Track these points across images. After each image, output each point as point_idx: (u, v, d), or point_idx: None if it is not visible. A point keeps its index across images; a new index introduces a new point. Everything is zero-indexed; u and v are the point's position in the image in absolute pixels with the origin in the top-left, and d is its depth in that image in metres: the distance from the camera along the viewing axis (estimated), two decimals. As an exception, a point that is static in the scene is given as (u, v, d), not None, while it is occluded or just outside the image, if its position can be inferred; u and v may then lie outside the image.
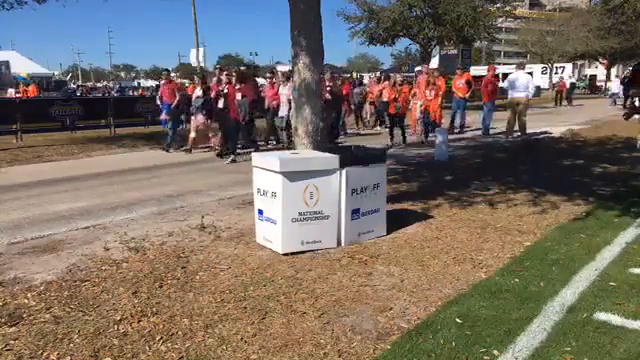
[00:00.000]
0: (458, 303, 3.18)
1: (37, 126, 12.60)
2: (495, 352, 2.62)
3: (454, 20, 20.28)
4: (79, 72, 77.36)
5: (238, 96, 8.97)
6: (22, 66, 37.70)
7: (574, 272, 3.67)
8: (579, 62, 48.19)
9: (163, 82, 11.25)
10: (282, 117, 10.32)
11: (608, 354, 2.60)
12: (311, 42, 4.95)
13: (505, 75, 20.57)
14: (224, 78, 9.42)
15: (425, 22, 21.49)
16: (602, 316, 2.99)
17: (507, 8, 22.52)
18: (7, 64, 32.67)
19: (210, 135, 10.40)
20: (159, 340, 2.76)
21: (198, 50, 29.03)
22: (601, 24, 32.65)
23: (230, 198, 6.20)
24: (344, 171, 4.16)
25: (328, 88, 10.72)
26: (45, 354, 2.63)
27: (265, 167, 4.15)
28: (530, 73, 13.77)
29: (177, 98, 10.54)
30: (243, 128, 9.39)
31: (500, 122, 12.51)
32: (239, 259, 4.02)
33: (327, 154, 4.39)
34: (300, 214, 4.06)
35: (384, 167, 4.60)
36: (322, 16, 5.08)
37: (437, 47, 27.83)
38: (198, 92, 10.09)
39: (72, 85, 42.89)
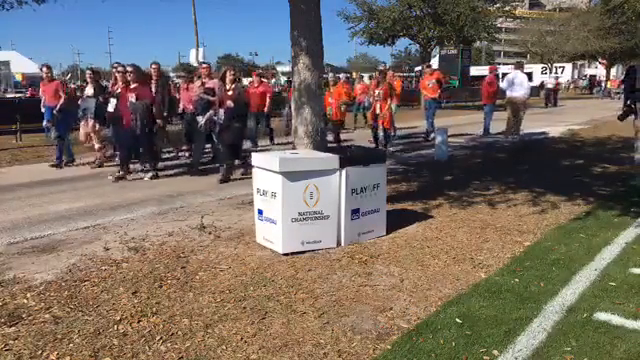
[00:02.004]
0: (458, 303, 3.18)
1: (37, 126, 12.57)
2: (495, 352, 2.62)
3: (454, 20, 20.29)
4: (79, 72, 77.31)
5: (132, 98, 7.20)
6: (22, 66, 37.72)
7: (574, 272, 3.67)
8: (579, 62, 48.22)
9: (43, 80, 8.94)
10: (204, 122, 7.37)
11: (608, 354, 2.60)
12: (311, 42, 4.95)
13: (504, 75, 20.57)
14: (119, 77, 7.49)
15: (425, 22, 21.51)
16: (602, 316, 2.99)
17: (507, 8, 22.53)
18: (7, 64, 32.68)
19: (96, 145, 8.55)
20: (159, 340, 2.76)
21: (198, 50, 28.98)
22: (601, 24, 32.68)
23: (230, 198, 6.19)
24: (344, 171, 4.15)
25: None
26: (45, 354, 2.63)
27: (265, 167, 4.15)
28: (529, 73, 13.54)
29: (62, 99, 8.47)
30: (142, 138, 7.31)
31: (501, 122, 12.51)
32: (239, 259, 4.02)
33: (327, 154, 4.39)
34: (300, 214, 4.06)
35: (384, 167, 4.60)
36: (322, 16, 5.09)
37: (437, 47, 27.88)
38: (88, 91, 8.56)
39: (72, 85, 42.83)
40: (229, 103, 7.14)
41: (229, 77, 7.51)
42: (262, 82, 10.89)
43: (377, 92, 9.47)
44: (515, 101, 11.54)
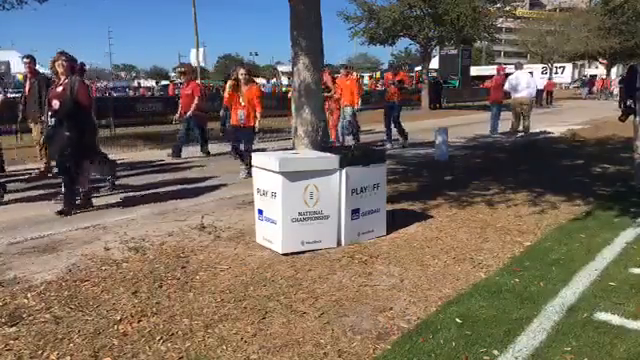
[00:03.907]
0: (458, 303, 3.18)
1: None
2: (495, 352, 2.62)
3: (454, 20, 20.26)
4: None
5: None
6: (23, 66, 37.65)
7: (574, 272, 3.67)
8: (579, 62, 48.22)
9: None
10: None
11: (608, 354, 2.60)
12: (311, 42, 4.96)
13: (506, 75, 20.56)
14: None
15: (425, 22, 21.49)
16: (602, 316, 2.99)
17: (507, 8, 22.52)
18: (8, 64, 32.66)
19: None
20: (159, 340, 2.76)
21: (198, 50, 29.00)
22: (601, 24, 32.68)
23: (230, 198, 6.20)
24: (344, 171, 4.16)
25: (196, 103, 9.16)
26: (45, 354, 2.63)
27: (265, 167, 4.15)
28: (531, 72, 13.53)
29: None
30: None
31: (507, 122, 12.53)
32: (239, 259, 4.02)
33: (327, 154, 4.40)
34: (300, 214, 4.06)
35: (384, 167, 4.60)
36: (322, 16, 5.09)
37: (437, 47, 27.87)
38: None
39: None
40: (55, 103, 5.31)
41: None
42: (191, 81, 9.90)
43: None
44: (520, 102, 11.60)
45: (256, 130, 7.63)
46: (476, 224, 4.90)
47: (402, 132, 10.87)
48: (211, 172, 8.11)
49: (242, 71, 7.38)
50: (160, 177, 7.77)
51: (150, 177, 7.74)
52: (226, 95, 7.60)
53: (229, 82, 7.57)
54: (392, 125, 10.85)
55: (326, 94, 8.24)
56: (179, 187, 6.98)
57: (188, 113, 9.49)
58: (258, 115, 7.37)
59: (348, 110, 10.22)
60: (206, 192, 6.62)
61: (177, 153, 9.59)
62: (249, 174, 6.97)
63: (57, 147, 5.40)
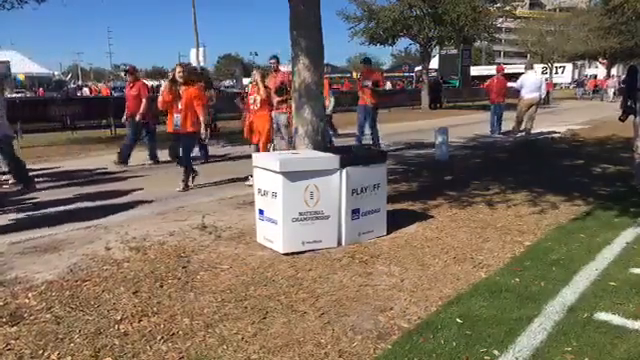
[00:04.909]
0: (458, 303, 3.18)
1: (38, 126, 12.65)
2: (495, 352, 2.62)
3: (454, 20, 20.28)
4: (79, 72, 77.31)
5: None
6: (23, 66, 37.70)
7: (574, 272, 3.67)
8: (579, 62, 48.24)
9: None
10: None
11: (609, 354, 2.60)
12: (311, 43, 4.96)
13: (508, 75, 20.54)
14: None
15: (425, 22, 21.50)
16: (602, 316, 2.99)
17: (507, 8, 22.53)
18: (8, 65, 32.69)
19: None
20: (160, 340, 2.76)
21: (198, 50, 29.00)
22: (601, 24, 32.66)
23: (231, 198, 6.20)
24: (344, 171, 4.16)
25: (144, 105, 8.18)
26: (46, 354, 2.63)
27: (265, 167, 4.15)
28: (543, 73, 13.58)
29: None
30: None
31: (507, 122, 12.56)
32: (240, 259, 4.02)
33: (327, 154, 4.40)
34: (300, 214, 4.06)
35: (384, 167, 4.60)
36: (322, 16, 5.09)
37: (437, 47, 27.89)
38: None
39: (72, 85, 42.87)
40: None
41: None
42: (137, 81, 8.90)
43: (252, 98, 7.02)
44: (529, 103, 11.67)
45: (203, 137, 6.96)
46: (476, 224, 4.90)
47: (376, 139, 9.81)
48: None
49: (179, 69, 6.46)
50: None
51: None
52: (160, 98, 6.55)
53: (164, 84, 6.76)
54: (367, 129, 9.78)
55: (278, 97, 7.26)
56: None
57: (137, 117, 8.51)
58: (202, 121, 6.52)
59: None
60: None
61: (124, 160, 8.61)
62: (186, 186, 6.60)
63: None
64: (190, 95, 6.44)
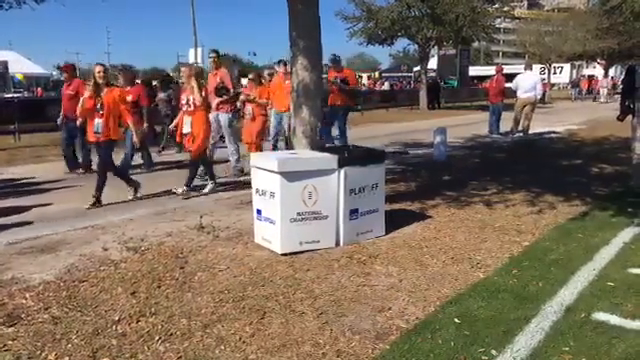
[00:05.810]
0: (457, 303, 3.18)
1: (36, 126, 12.57)
2: (493, 352, 2.62)
3: (453, 20, 20.29)
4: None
5: None
6: (21, 66, 37.64)
7: (572, 272, 3.67)
8: (577, 62, 48.28)
9: None
10: None
11: (606, 354, 2.60)
12: (310, 43, 4.95)
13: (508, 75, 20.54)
14: None
15: (424, 22, 21.51)
16: (600, 316, 3.00)
17: (505, 8, 22.56)
18: (5, 64, 32.63)
19: None
20: (157, 340, 2.75)
21: (197, 50, 28.95)
22: (599, 24, 32.70)
23: (229, 198, 6.19)
24: (342, 171, 4.16)
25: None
26: (43, 354, 2.62)
27: (264, 167, 4.15)
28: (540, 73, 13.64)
29: None
30: None
31: (506, 122, 12.56)
32: (238, 259, 4.02)
33: (325, 154, 4.40)
34: (298, 214, 4.06)
35: (383, 167, 4.60)
36: (321, 16, 5.08)
37: (436, 47, 27.90)
38: None
39: None
40: None
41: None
42: (74, 80, 7.93)
43: (184, 97, 6.30)
44: (525, 102, 11.71)
45: (135, 146, 6.38)
46: (474, 224, 4.90)
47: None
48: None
49: (98, 69, 5.74)
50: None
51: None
52: (80, 106, 5.80)
53: (87, 86, 5.86)
54: (335, 132, 8.78)
55: (225, 96, 6.73)
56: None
57: (78, 121, 6.84)
58: (132, 127, 5.98)
59: (285, 118, 7.68)
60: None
61: (73, 165, 7.94)
62: (136, 191, 6.10)
63: None
64: (113, 98, 5.75)
